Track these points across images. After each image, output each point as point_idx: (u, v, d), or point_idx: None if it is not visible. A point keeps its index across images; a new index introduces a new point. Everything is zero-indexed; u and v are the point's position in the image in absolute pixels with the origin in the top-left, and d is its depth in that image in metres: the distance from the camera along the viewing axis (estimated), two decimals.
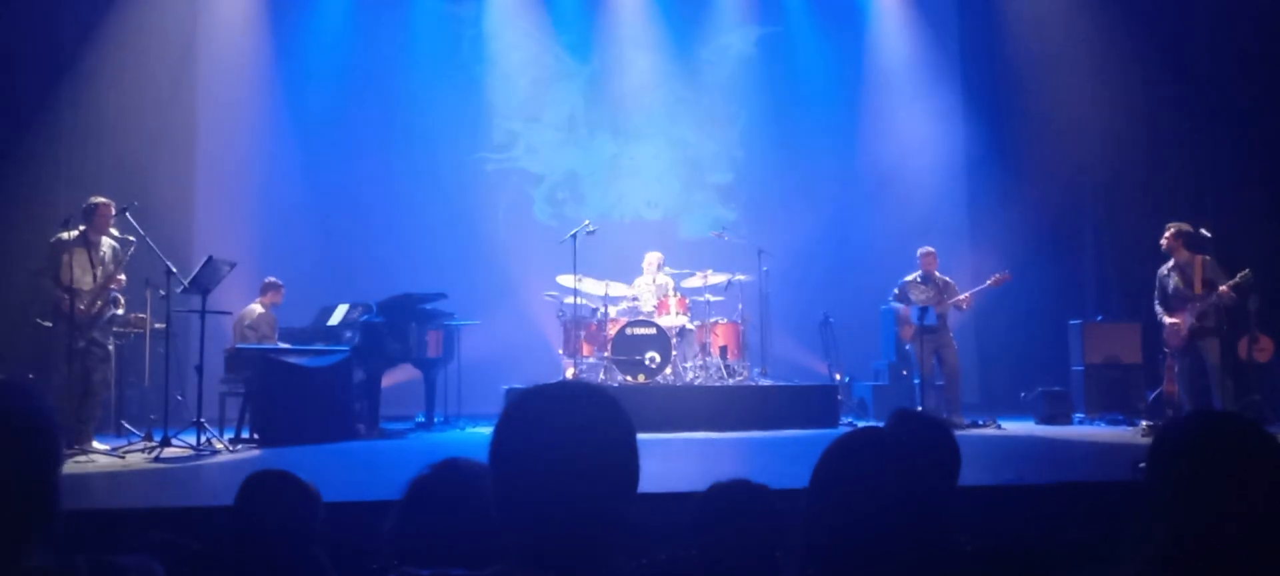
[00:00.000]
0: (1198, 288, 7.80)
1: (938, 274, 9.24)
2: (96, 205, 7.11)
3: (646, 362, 9.23)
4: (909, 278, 9.30)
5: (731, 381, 9.40)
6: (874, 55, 12.27)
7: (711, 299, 9.98)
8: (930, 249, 9.32)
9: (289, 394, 7.77)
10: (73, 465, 6.13)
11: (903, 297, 9.28)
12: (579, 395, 1.45)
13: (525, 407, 1.44)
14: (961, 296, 9.09)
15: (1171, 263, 8.05)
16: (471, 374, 9.69)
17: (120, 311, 7.35)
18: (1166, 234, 7.97)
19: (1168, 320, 7.99)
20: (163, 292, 7.21)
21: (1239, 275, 7.66)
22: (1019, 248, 10.69)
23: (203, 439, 7.00)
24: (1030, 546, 2.00)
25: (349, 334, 8.64)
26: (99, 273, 7.05)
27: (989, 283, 9.16)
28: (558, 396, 1.44)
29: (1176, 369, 8.09)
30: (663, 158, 12.23)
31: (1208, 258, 7.90)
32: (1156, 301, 8.17)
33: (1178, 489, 1.52)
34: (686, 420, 8.51)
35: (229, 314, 8.67)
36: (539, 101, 12.15)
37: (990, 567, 1.87)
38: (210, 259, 7.31)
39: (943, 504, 1.70)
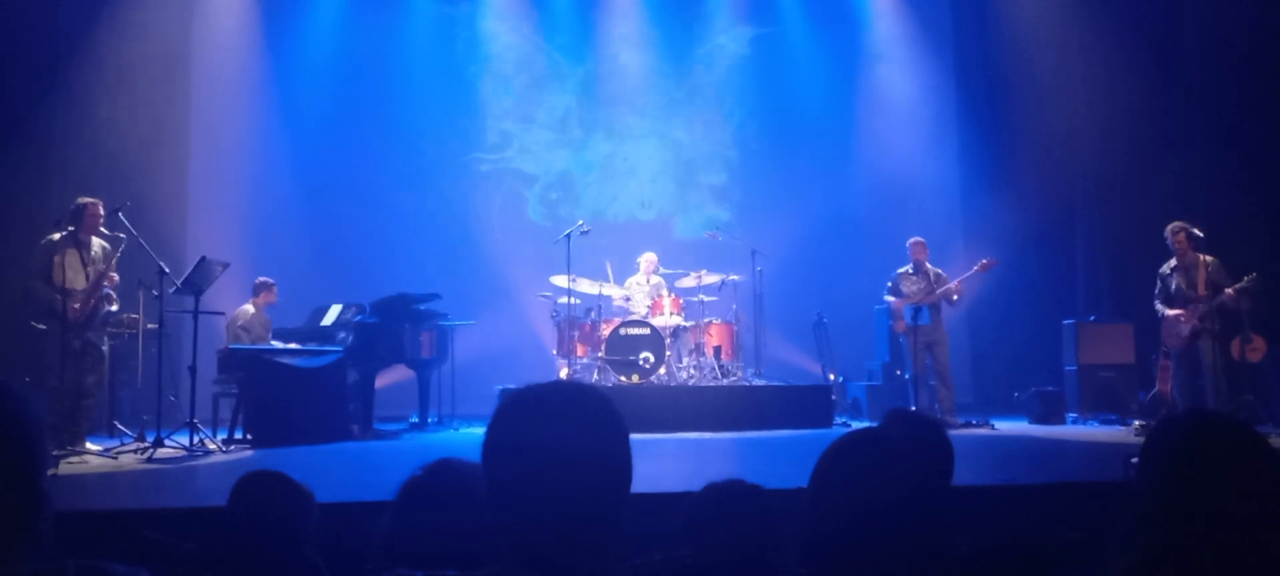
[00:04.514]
0: (1201, 288, 7.82)
1: (929, 265, 9.25)
2: (84, 205, 7.08)
3: (640, 363, 9.23)
4: (901, 270, 9.31)
5: (725, 382, 9.40)
6: (868, 56, 12.29)
7: (705, 299, 10.00)
8: (919, 239, 9.32)
9: (282, 394, 7.76)
10: (66, 466, 6.12)
11: (895, 291, 9.29)
12: (572, 394, 1.45)
13: (518, 407, 1.43)
14: (951, 284, 9.10)
15: (1174, 262, 8.06)
16: (465, 374, 9.69)
17: (114, 309, 7.33)
18: (1177, 233, 7.97)
19: (1169, 314, 8.01)
20: (155, 293, 7.20)
21: (1246, 278, 7.68)
22: (1013, 248, 10.70)
23: (196, 439, 6.99)
24: (1024, 546, 2.00)
25: (342, 334, 8.63)
26: (91, 272, 7.03)
27: (975, 269, 9.18)
28: (550, 396, 1.44)
29: (1172, 368, 8.11)
30: (656, 158, 12.24)
31: (1213, 259, 7.92)
32: (1157, 299, 8.19)
33: (1168, 489, 1.52)
34: (681, 420, 8.51)
35: (222, 314, 8.65)
36: (533, 102, 12.14)
37: (984, 568, 1.88)
38: (203, 259, 7.29)
39: (937, 504, 1.70)
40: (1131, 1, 10.43)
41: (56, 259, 6.85)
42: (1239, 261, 8.06)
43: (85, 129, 9.87)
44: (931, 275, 9.18)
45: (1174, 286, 8.02)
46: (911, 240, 9.31)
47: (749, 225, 11.59)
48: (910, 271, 9.24)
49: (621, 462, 1.43)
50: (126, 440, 7.06)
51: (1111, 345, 9.59)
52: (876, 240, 11.20)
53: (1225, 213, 9.31)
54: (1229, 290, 7.70)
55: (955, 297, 9.19)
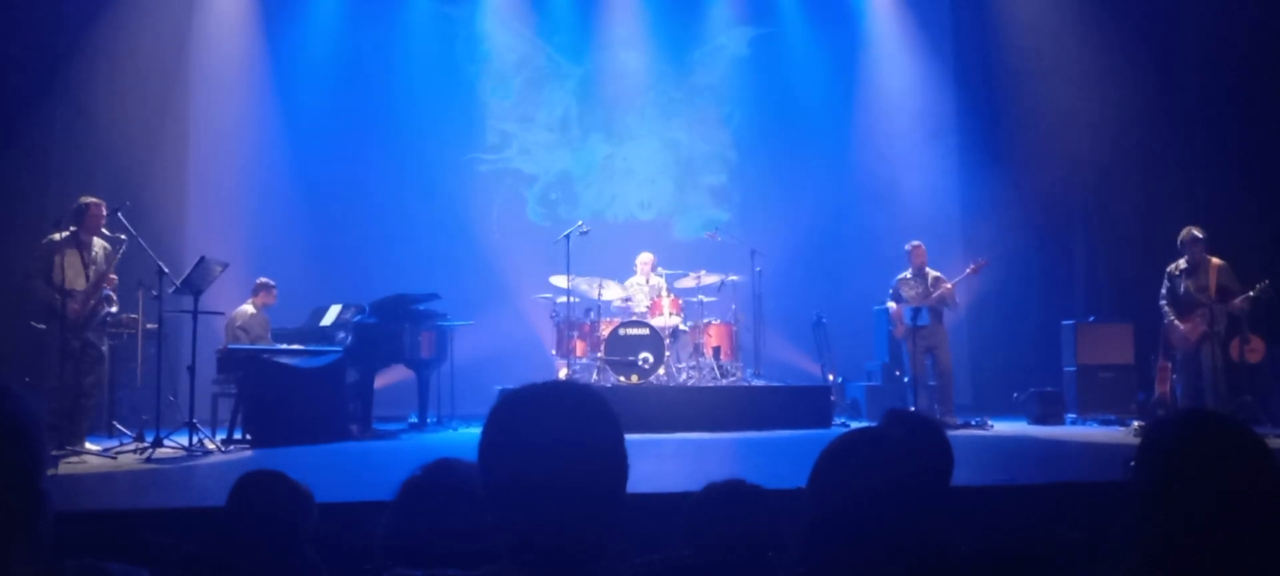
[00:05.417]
0: (1212, 292, 7.81)
1: (928, 268, 9.24)
2: (86, 205, 7.09)
3: (639, 363, 9.23)
4: (901, 275, 9.32)
5: (725, 382, 9.40)
6: (867, 56, 12.28)
7: (705, 299, 10.00)
8: (918, 242, 9.32)
9: (281, 394, 7.76)
10: (65, 466, 6.11)
11: (896, 296, 9.30)
12: (566, 394, 1.45)
13: (513, 407, 1.44)
14: (946, 287, 9.10)
15: (1183, 263, 8.04)
16: (465, 374, 9.69)
17: (114, 309, 7.33)
18: (1195, 244, 7.94)
19: (1179, 323, 7.98)
20: (155, 293, 7.20)
21: (1258, 287, 7.67)
22: (1012, 248, 10.72)
23: (195, 440, 6.99)
24: (1023, 547, 2.00)
25: (342, 334, 8.63)
26: (91, 273, 7.03)
27: (968, 271, 9.20)
28: (544, 396, 1.44)
29: (1175, 370, 8.10)
30: (656, 159, 12.24)
31: (1222, 262, 7.91)
32: (1164, 300, 8.16)
33: (1164, 488, 1.53)
34: (680, 421, 8.51)
35: (221, 314, 8.65)
36: (532, 102, 12.14)
37: (984, 568, 1.88)
38: (202, 259, 7.29)
39: (937, 504, 1.70)
40: (1131, 1, 10.43)
41: (57, 259, 6.85)
42: (1239, 261, 8.06)
43: (84, 129, 9.86)
44: (930, 278, 9.18)
45: (1182, 288, 8.00)
46: (910, 244, 9.31)
47: (748, 225, 11.60)
48: (909, 276, 9.24)
49: (617, 461, 1.43)
50: (125, 440, 7.07)
51: (1110, 346, 9.59)
52: (876, 240, 11.21)
53: (1225, 213, 9.31)
54: (1239, 299, 7.70)
55: (952, 302, 9.19)
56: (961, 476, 4.32)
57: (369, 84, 11.64)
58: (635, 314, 9.73)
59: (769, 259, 10.19)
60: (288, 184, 11.24)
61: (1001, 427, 8.84)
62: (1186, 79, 10.19)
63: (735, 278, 9.96)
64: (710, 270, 9.97)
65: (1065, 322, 9.96)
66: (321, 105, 11.39)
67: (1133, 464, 1.62)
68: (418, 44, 11.82)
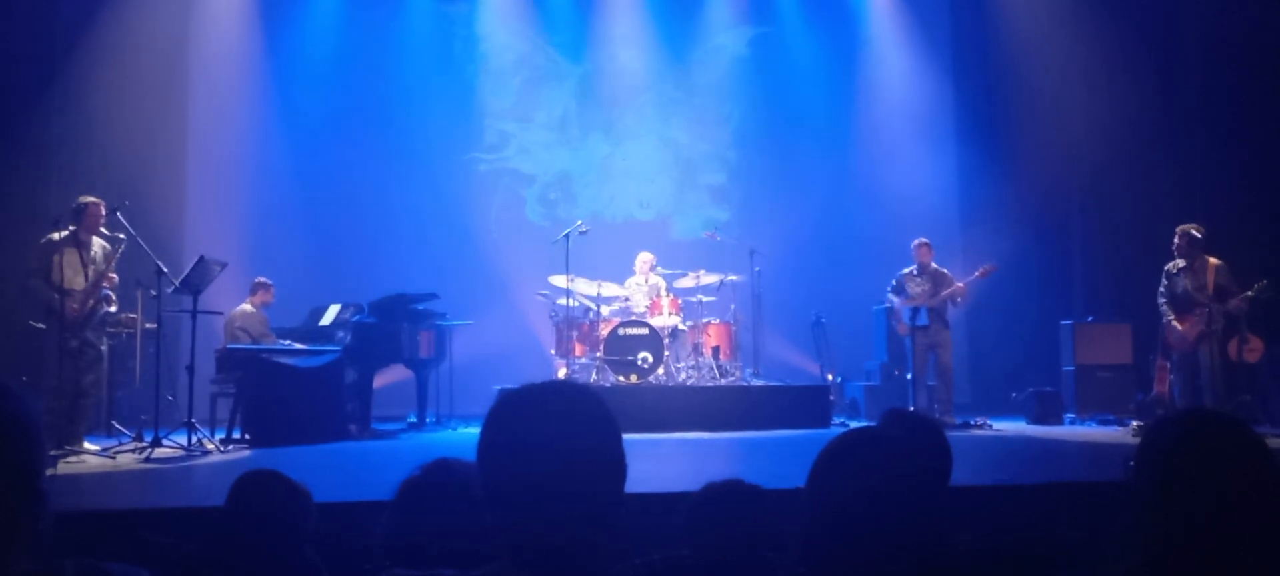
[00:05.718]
0: (1210, 291, 7.82)
1: (933, 265, 9.22)
2: (86, 205, 7.08)
3: (639, 363, 9.23)
4: (905, 271, 9.29)
5: (724, 382, 9.40)
6: (866, 56, 12.29)
7: (704, 299, 9.99)
8: (924, 240, 9.28)
9: (280, 394, 7.75)
10: (63, 466, 6.11)
11: (899, 291, 9.28)
12: (564, 393, 1.45)
13: (511, 407, 1.44)
14: (958, 285, 9.08)
15: (1181, 263, 8.04)
16: (464, 374, 9.69)
17: (113, 309, 7.32)
18: (1194, 237, 7.94)
19: (1176, 323, 7.98)
20: (154, 293, 7.20)
21: (1255, 287, 7.67)
22: (1011, 248, 10.71)
23: (194, 439, 6.99)
24: (1023, 547, 2.00)
25: (341, 334, 8.63)
26: (90, 272, 7.03)
27: (977, 274, 9.17)
28: (543, 395, 1.44)
29: (1172, 369, 8.10)
30: (655, 158, 12.23)
31: (1220, 262, 7.91)
32: (1162, 298, 8.16)
33: (1165, 488, 1.52)
34: (679, 420, 8.51)
35: (220, 314, 8.65)
36: (531, 102, 12.14)
37: (984, 568, 1.88)
38: (201, 259, 7.29)
39: (936, 503, 1.70)
40: (1131, 1, 10.43)
41: (56, 258, 6.85)
42: (1238, 261, 8.06)
43: (83, 129, 9.86)
44: (935, 275, 9.16)
45: (1180, 287, 8.00)
46: (917, 241, 9.28)
47: (747, 225, 11.60)
48: (914, 272, 9.22)
49: (615, 461, 1.43)
50: (124, 440, 7.06)
51: (1109, 345, 9.59)
52: (875, 240, 11.20)
53: (1224, 213, 9.31)
54: (1237, 299, 7.71)
55: (960, 299, 9.17)
56: (961, 476, 4.32)
57: (368, 83, 11.63)
58: (634, 314, 9.73)
59: (768, 258, 10.19)
60: (287, 183, 11.24)
61: (1000, 427, 8.84)
62: (1186, 79, 10.19)
63: (734, 277, 9.96)
64: (709, 270, 9.97)
65: (1064, 322, 9.97)
66: (321, 104, 11.40)
67: (1132, 464, 1.62)
68: (417, 43, 11.82)
